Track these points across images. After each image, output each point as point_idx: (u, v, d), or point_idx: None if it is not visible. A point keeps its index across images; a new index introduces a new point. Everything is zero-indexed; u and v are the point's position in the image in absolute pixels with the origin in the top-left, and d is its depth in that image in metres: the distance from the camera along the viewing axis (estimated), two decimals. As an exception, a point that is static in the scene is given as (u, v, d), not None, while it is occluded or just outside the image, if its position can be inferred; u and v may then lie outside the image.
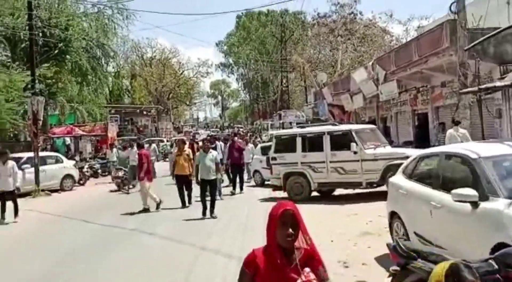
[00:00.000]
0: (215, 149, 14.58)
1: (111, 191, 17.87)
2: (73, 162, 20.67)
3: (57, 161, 19.45)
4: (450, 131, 12.00)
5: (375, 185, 12.36)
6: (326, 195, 13.45)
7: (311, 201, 12.29)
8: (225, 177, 15.86)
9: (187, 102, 75.55)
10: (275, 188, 13.70)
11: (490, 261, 3.58)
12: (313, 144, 12.98)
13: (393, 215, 6.83)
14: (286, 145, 13.53)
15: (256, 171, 17.53)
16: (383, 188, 11.55)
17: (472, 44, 11.68)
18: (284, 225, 2.50)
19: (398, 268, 4.04)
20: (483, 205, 4.72)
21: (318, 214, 10.05)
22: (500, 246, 4.17)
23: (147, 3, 73.59)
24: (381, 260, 6.47)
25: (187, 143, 14.92)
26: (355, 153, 12.27)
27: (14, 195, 12.10)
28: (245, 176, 16.56)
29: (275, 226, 2.52)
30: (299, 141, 13.15)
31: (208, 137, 18.27)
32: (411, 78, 18.49)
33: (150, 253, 8.27)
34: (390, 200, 7.11)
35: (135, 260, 7.84)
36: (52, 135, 25.93)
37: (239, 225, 10.20)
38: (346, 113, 28.61)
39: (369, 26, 37.13)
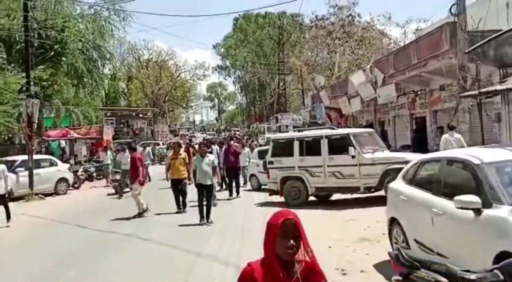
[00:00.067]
0: (211, 152, 14.43)
1: (109, 194, 17.69)
2: (68, 165, 20.45)
3: (52, 164, 19.25)
4: (445, 136, 12.16)
5: (373, 190, 12.26)
6: (324, 200, 13.33)
7: (308, 206, 12.18)
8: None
9: (184, 105, 75.43)
10: (272, 192, 13.57)
11: (495, 271, 3.50)
12: (310, 147, 12.84)
13: (392, 221, 6.71)
14: (283, 148, 13.43)
15: (252, 175, 17.40)
16: (380, 193, 11.50)
17: (473, 47, 11.61)
18: (285, 235, 2.33)
19: (400, 278, 3.97)
20: (486, 212, 4.61)
21: (316, 219, 9.94)
22: (503, 254, 4.10)
23: (144, 5, 73.88)
24: (380, 268, 6.37)
25: (183, 146, 14.74)
26: (353, 157, 12.16)
27: (5, 199, 11.90)
28: (241, 180, 16.41)
29: (275, 236, 2.34)
30: (296, 144, 13.02)
31: (204, 141, 18.08)
32: (410, 82, 18.39)
33: (145, 259, 8.11)
34: (390, 206, 6.98)
35: (130, 266, 7.69)
36: (47, 138, 25.70)
37: (236, 230, 10.10)
38: (344, 117, 28.57)
39: (367, 28, 37.13)
